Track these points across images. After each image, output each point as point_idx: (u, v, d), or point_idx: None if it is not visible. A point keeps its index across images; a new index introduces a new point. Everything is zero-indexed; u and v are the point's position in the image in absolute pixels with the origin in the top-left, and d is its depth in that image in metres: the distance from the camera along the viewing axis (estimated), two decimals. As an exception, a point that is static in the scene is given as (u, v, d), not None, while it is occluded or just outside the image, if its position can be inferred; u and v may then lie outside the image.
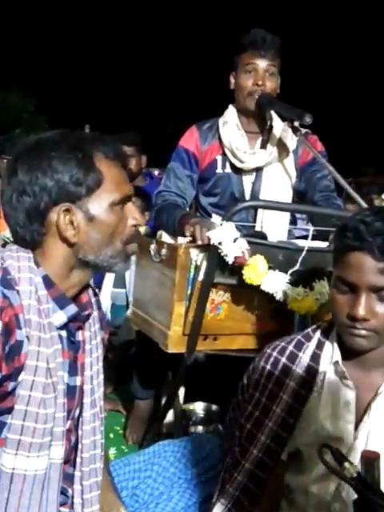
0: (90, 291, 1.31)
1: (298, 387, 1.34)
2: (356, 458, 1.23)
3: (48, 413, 1.12)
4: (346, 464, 0.94)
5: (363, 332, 1.23)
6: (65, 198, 1.13)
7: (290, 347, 1.38)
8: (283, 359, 1.37)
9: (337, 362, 1.32)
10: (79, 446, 1.25)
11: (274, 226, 2.27)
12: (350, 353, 1.31)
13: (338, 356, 1.32)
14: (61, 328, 1.18)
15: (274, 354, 1.39)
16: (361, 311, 1.21)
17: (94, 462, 1.27)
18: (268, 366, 1.38)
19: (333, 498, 1.31)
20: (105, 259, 1.18)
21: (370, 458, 0.98)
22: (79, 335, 1.24)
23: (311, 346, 1.37)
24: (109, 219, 1.17)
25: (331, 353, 1.33)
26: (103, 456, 1.32)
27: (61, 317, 1.16)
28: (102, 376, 1.30)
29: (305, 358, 1.36)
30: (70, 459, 1.26)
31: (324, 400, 1.32)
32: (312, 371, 1.34)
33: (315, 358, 1.35)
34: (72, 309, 1.17)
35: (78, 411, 1.26)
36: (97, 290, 3.11)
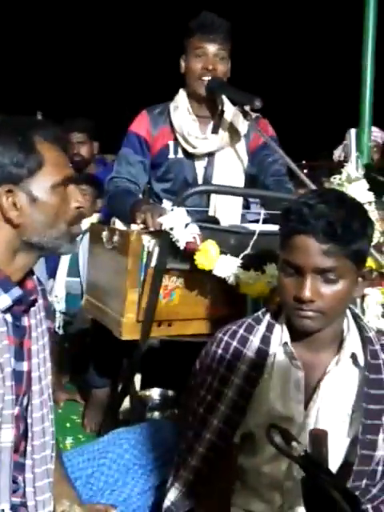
0: (35, 279, 1.31)
1: (248, 370, 1.35)
2: (305, 437, 1.26)
3: None
4: (294, 443, 0.96)
5: (310, 313, 1.25)
6: (6, 179, 1.15)
7: (241, 331, 1.39)
8: (234, 343, 1.38)
9: (286, 344, 1.34)
10: (29, 434, 1.25)
11: (227, 211, 2.28)
12: (298, 334, 1.33)
13: (286, 337, 1.34)
14: (5, 312, 1.17)
15: (226, 338, 1.40)
16: (307, 293, 1.22)
17: (44, 449, 1.27)
18: (219, 351, 1.39)
19: (284, 477, 1.34)
20: (50, 240, 1.20)
21: (317, 436, 0.99)
22: (24, 320, 1.24)
23: (261, 328, 1.38)
24: (51, 200, 1.18)
25: (281, 334, 1.35)
26: (54, 444, 1.32)
27: (5, 300, 1.16)
28: (49, 364, 1.30)
29: (255, 341, 1.37)
30: (19, 449, 1.25)
31: (274, 381, 1.34)
32: (262, 353, 1.35)
33: (265, 340, 1.36)
34: (16, 292, 1.18)
35: (26, 400, 1.25)
36: (51, 280, 3.08)
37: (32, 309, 1.27)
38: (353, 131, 2.05)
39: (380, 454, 1.29)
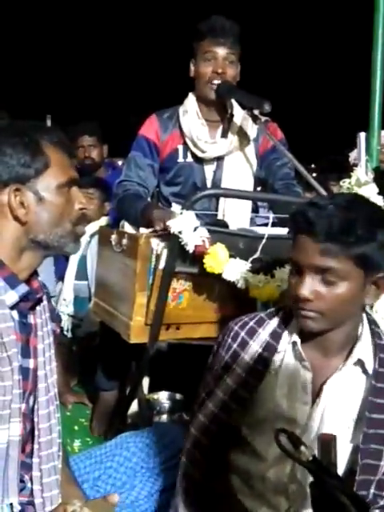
0: (41, 282, 1.33)
1: (252, 362, 1.36)
2: (309, 439, 1.26)
3: (6, 385, 1.16)
4: (302, 447, 0.95)
5: (310, 313, 1.25)
6: (14, 179, 1.20)
7: (251, 323, 1.41)
8: (242, 333, 1.40)
9: (295, 343, 1.34)
10: (36, 432, 1.28)
11: (236, 214, 2.27)
12: (307, 335, 1.33)
13: (296, 337, 1.34)
14: (12, 308, 1.20)
15: (236, 327, 1.43)
16: (303, 291, 1.23)
17: (51, 446, 1.30)
18: (229, 339, 1.42)
19: (289, 480, 1.33)
20: (55, 239, 1.24)
21: (326, 440, 0.99)
22: (31, 318, 1.28)
23: (272, 324, 1.39)
24: (57, 200, 1.23)
25: (292, 334, 1.35)
26: (61, 443, 1.34)
27: (12, 296, 1.20)
28: (54, 363, 1.33)
29: (263, 334, 1.38)
30: (25, 449, 1.27)
31: (281, 379, 1.34)
32: (269, 348, 1.36)
33: (275, 336, 1.37)
34: (23, 288, 1.21)
35: (32, 398, 1.28)
36: (60, 283, 3.09)
37: (38, 308, 1.29)
38: (362, 135, 2.04)
39: None
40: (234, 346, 1.40)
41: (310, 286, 1.23)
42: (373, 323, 1.37)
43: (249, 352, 1.37)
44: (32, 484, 1.28)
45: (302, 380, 1.32)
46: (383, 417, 1.27)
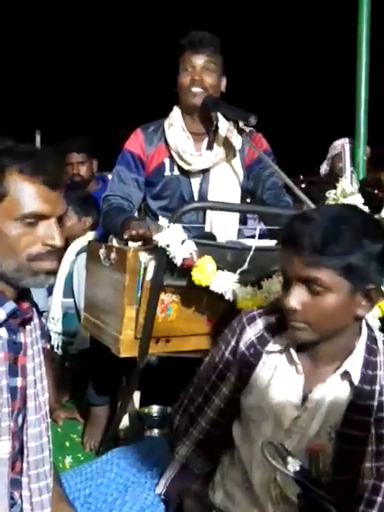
0: (31, 300, 1.32)
1: (245, 348, 1.42)
2: (292, 445, 1.27)
3: None
4: (289, 458, 0.96)
5: (298, 324, 1.27)
6: None
7: (256, 312, 1.48)
8: (244, 318, 1.48)
9: (288, 346, 1.36)
10: (25, 451, 1.26)
11: (224, 227, 2.28)
12: (302, 346, 1.34)
13: (290, 340, 1.36)
14: (0, 325, 1.19)
15: (242, 314, 1.51)
16: (290, 302, 1.25)
17: (43, 465, 1.28)
18: (234, 323, 1.50)
19: (272, 484, 1.34)
20: (8, 271, 1.20)
21: (314, 451, 0.99)
22: (21, 337, 1.26)
23: (270, 319, 1.43)
24: (9, 232, 1.18)
25: (286, 336, 1.38)
26: (52, 461, 1.33)
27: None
28: (45, 381, 1.32)
29: (260, 324, 1.43)
30: (15, 466, 1.26)
31: (275, 379, 1.36)
32: (263, 341, 1.41)
33: (270, 329, 1.41)
34: (10, 305, 1.19)
35: (21, 417, 1.26)
36: (50, 298, 3.07)
37: (28, 327, 1.28)
38: (347, 146, 2.06)
39: (367, 481, 1.25)
40: (235, 325, 1.48)
41: (297, 296, 1.25)
42: (371, 339, 1.36)
43: (244, 338, 1.43)
44: (22, 502, 1.27)
45: (293, 383, 1.34)
46: (359, 434, 1.27)
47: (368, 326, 1.39)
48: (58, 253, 1.23)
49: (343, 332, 1.31)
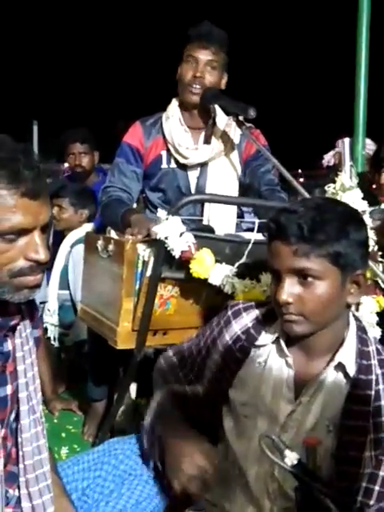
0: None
1: (231, 342, 1.42)
2: (288, 438, 1.27)
3: None
4: (287, 452, 0.96)
5: (293, 317, 1.26)
6: None
7: (241, 305, 1.47)
8: (230, 312, 1.47)
9: (278, 339, 1.36)
10: (20, 453, 1.22)
11: (221, 220, 2.28)
12: (292, 338, 1.34)
13: (280, 333, 1.36)
14: None
15: (229, 308, 1.49)
16: (282, 295, 1.25)
17: (41, 466, 1.24)
18: (220, 316, 1.49)
19: (269, 479, 1.34)
20: None
21: (311, 445, 1.00)
22: (8, 345, 1.20)
23: (260, 312, 1.43)
24: None
25: (276, 329, 1.38)
26: (51, 459, 1.31)
27: None
28: (38, 381, 1.26)
29: (246, 319, 1.43)
30: (8, 462, 1.23)
31: (267, 373, 1.36)
32: (249, 336, 1.40)
33: (256, 325, 1.41)
34: None
35: (13, 419, 1.23)
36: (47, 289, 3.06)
37: (18, 327, 1.22)
38: (347, 140, 2.06)
39: (368, 471, 1.26)
40: (221, 322, 1.46)
41: (288, 289, 1.25)
42: (360, 329, 1.37)
43: (229, 332, 1.42)
44: (20, 501, 1.23)
45: (285, 376, 1.34)
46: (359, 424, 1.27)
47: (354, 316, 1.40)
48: (43, 266, 1.13)
49: (335, 322, 1.31)
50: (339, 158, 3.82)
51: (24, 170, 1.05)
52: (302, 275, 1.23)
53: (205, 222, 2.26)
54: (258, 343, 1.39)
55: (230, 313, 1.46)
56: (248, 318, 1.42)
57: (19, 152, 1.07)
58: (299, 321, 1.26)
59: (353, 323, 1.36)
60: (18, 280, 1.09)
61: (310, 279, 1.23)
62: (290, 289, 1.24)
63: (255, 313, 1.43)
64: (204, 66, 2.28)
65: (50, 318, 2.93)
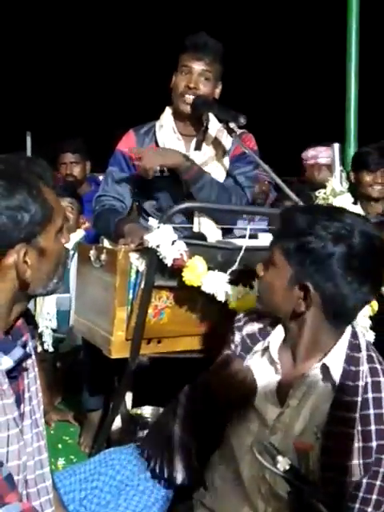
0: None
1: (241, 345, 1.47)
2: (277, 441, 1.28)
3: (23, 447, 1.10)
4: (279, 457, 0.96)
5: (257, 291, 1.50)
6: (24, 238, 1.06)
7: (251, 314, 1.52)
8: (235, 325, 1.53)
9: (268, 346, 1.39)
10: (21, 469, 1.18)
11: (211, 227, 2.28)
12: (284, 339, 1.39)
13: (272, 339, 1.39)
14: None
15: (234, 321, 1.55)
16: (258, 266, 1.42)
17: (43, 481, 1.22)
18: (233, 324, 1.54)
19: (261, 480, 1.34)
20: (51, 287, 1.15)
21: (302, 450, 1.00)
22: (19, 384, 1.17)
23: (255, 328, 1.47)
24: (57, 249, 1.13)
25: (268, 336, 1.42)
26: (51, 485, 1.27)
27: (6, 362, 1.08)
28: (40, 394, 1.25)
29: (245, 330, 1.48)
30: None
31: (256, 376, 1.39)
32: (254, 339, 1.45)
33: (252, 336, 1.46)
34: (18, 352, 1.10)
35: None
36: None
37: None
38: (336, 145, 2.06)
39: (356, 479, 1.25)
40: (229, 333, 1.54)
41: (262, 265, 1.40)
42: (353, 335, 1.38)
43: (235, 340, 1.48)
44: None
45: (271, 382, 1.36)
46: (343, 430, 1.27)
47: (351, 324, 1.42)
48: None
49: (297, 322, 1.34)
50: (311, 172, 3.85)
51: (49, 171, 1.13)
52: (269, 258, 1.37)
53: (195, 230, 2.26)
54: (254, 349, 1.43)
55: (234, 325, 1.52)
56: (246, 329, 1.48)
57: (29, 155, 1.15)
58: (258, 295, 1.53)
59: (348, 329, 1.37)
60: (62, 269, 1.16)
61: (269, 264, 1.37)
62: (263, 265, 1.40)
63: (254, 324, 1.48)
64: (198, 77, 2.29)
65: (49, 322, 2.91)
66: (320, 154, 3.65)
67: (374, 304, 1.88)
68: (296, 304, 1.31)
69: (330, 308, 1.29)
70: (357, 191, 3.03)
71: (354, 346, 1.35)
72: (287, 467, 0.94)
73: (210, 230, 2.25)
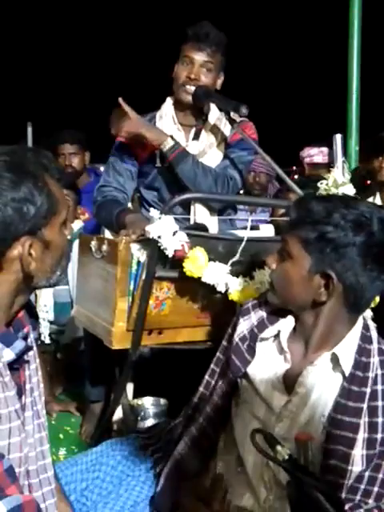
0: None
1: (238, 339, 1.45)
2: (284, 429, 1.29)
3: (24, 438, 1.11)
4: (278, 447, 0.96)
5: (269, 284, 1.44)
6: (29, 231, 1.07)
7: (249, 306, 1.51)
8: (250, 304, 1.52)
9: (278, 333, 1.38)
10: (23, 461, 1.19)
11: (206, 215, 2.27)
12: (295, 327, 1.38)
13: (282, 327, 1.38)
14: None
15: (241, 307, 1.55)
16: (269, 258, 1.41)
17: (45, 471, 1.23)
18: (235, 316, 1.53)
19: (264, 468, 1.35)
20: (54, 280, 1.16)
21: (302, 440, 1.00)
22: (20, 376, 1.18)
23: (263, 313, 1.45)
24: (61, 241, 1.14)
25: (278, 324, 1.41)
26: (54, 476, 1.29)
27: (8, 354, 1.09)
28: (41, 386, 1.26)
29: (254, 317, 1.46)
30: None
31: (263, 365, 1.39)
32: (261, 326, 1.44)
33: (261, 324, 1.44)
34: (20, 344, 1.11)
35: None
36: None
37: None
38: (338, 136, 2.06)
39: (358, 469, 1.26)
40: (234, 321, 1.52)
41: (275, 256, 1.38)
42: (365, 327, 1.38)
43: (237, 331, 1.46)
44: None
45: (280, 369, 1.36)
46: (350, 420, 1.27)
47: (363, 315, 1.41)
48: None
49: (314, 312, 1.33)
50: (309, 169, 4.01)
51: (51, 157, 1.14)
52: (283, 249, 1.36)
53: (191, 221, 2.26)
54: (262, 336, 1.42)
55: (240, 311, 1.50)
56: (254, 317, 1.46)
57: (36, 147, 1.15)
58: (271, 289, 1.43)
59: (360, 321, 1.37)
60: (65, 261, 1.17)
61: (284, 255, 1.35)
62: (276, 256, 1.39)
63: (260, 312, 1.46)
64: (199, 68, 2.28)
65: (46, 315, 2.91)
66: (315, 155, 3.87)
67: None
68: (316, 294, 1.30)
69: (349, 297, 1.29)
70: (375, 179, 3.06)
71: (366, 338, 1.35)
72: (286, 457, 0.95)
73: (205, 218, 2.24)
